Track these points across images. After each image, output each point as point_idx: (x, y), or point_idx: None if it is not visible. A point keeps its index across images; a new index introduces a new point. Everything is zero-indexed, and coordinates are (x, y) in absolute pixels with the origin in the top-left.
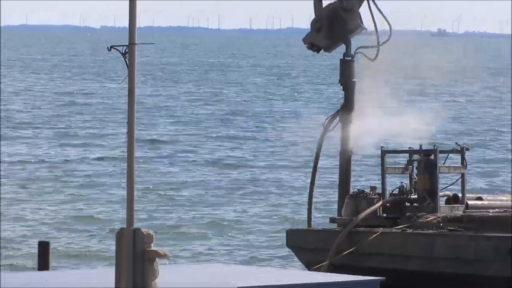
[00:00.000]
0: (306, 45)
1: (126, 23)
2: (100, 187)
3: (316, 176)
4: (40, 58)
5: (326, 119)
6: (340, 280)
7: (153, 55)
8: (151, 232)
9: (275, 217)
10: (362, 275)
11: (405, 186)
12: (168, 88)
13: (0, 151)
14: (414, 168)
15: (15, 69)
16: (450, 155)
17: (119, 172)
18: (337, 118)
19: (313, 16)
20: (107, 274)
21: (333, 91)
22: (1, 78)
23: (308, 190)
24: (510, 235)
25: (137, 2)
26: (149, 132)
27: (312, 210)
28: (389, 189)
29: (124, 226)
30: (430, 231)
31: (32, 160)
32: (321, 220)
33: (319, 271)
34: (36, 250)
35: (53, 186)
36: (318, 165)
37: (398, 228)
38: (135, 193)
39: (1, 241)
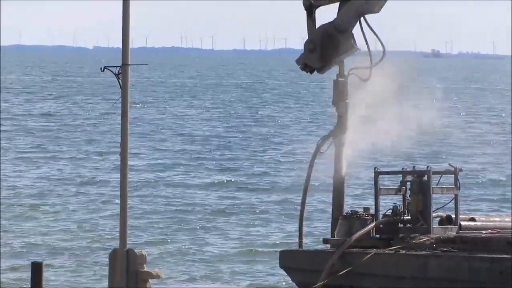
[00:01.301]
0: (300, 66)
1: (119, 44)
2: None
3: (307, 197)
4: (39, 79)
5: (319, 140)
6: None
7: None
8: (144, 252)
9: (269, 237)
10: None
11: (398, 207)
12: (171, 107)
13: (0, 167)
14: (407, 189)
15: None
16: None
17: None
18: (330, 139)
19: (306, 36)
20: None
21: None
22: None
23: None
24: (503, 256)
25: (131, 23)
26: (153, 156)
27: (303, 231)
28: (382, 210)
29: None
30: (424, 252)
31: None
32: (314, 240)
33: None
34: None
35: (53, 205)
36: (311, 186)
37: (392, 249)
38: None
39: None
